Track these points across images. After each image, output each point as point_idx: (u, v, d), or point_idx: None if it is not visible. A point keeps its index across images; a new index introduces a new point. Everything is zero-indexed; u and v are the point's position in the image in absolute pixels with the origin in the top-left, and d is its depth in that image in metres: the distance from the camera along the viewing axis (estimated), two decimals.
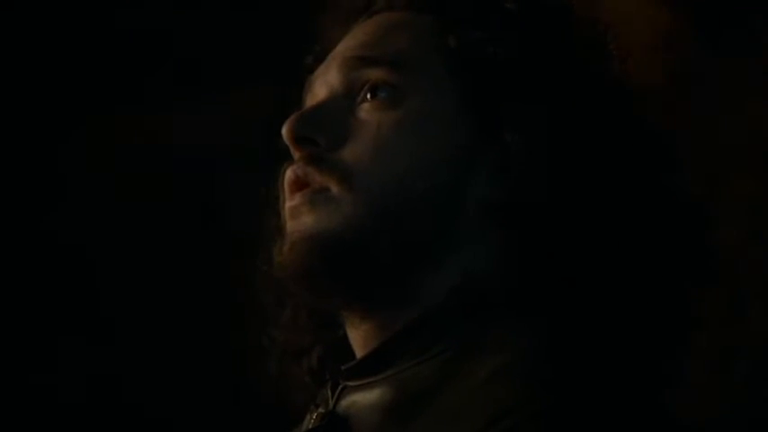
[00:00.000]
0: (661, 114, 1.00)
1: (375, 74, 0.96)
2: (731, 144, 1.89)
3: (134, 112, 2.22)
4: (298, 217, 0.95)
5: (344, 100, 0.97)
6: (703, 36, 1.88)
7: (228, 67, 2.20)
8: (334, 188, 0.94)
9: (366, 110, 0.96)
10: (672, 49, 1.87)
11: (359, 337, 0.97)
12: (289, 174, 0.96)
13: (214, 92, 2.20)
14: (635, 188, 0.94)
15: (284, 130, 0.96)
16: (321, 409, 0.97)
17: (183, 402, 2.15)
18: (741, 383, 1.82)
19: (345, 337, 1.00)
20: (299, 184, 0.95)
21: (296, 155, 0.96)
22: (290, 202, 0.96)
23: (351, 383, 0.96)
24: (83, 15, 2.16)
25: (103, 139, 2.20)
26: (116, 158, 2.22)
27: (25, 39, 2.15)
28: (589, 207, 0.92)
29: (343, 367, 0.96)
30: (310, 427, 0.97)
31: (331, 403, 0.96)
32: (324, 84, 0.99)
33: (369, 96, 0.96)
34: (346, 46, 1.00)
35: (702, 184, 1.49)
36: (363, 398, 0.94)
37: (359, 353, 0.97)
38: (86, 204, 2.17)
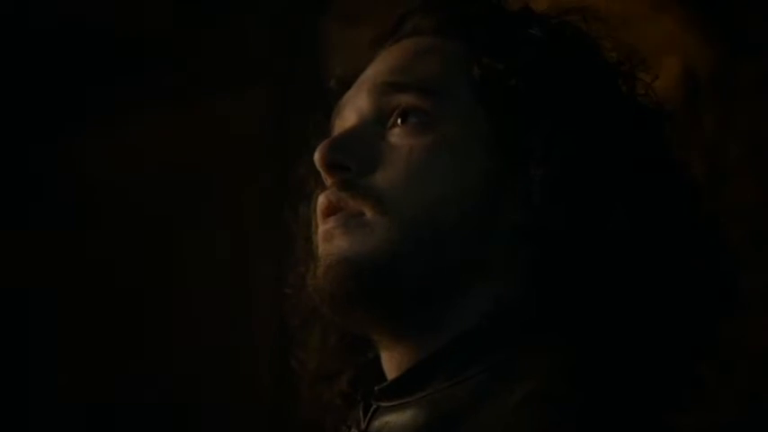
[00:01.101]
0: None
1: (405, 99, 0.97)
2: (732, 144, 1.90)
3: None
4: (331, 240, 0.95)
5: (375, 125, 0.98)
6: (705, 38, 1.89)
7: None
8: (368, 213, 0.94)
9: (397, 135, 0.96)
10: (676, 53, 1.88)
11: (392, 360, 0.98)
12: (322, 200, 0.97)
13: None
14: (663, 214, 0.95)
15: (316, 157, 0.96)
16: (353, 430, 0.98)
17: None
18: (741, 384, 1.84)
19: (376, 359, 1.01)
20: (333, 209, 0.96)
21: (328, 181, 0.97)
22: (323, 225, 0.96)
23: (384, 404, 0.96)
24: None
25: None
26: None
27: None
28: (616, 233, 0.93)
29: (376, 388, 0.97)
30: None
31: (363, 424, 0.97)
32: (353, 109, 1.00)
33: (399, 121, 0.97)
34: (376, 71, 1.00)
35: (704, 183, 1.50)
36: (396, 419, 0.95)
37: (391, 375, 0.98)
38: None
